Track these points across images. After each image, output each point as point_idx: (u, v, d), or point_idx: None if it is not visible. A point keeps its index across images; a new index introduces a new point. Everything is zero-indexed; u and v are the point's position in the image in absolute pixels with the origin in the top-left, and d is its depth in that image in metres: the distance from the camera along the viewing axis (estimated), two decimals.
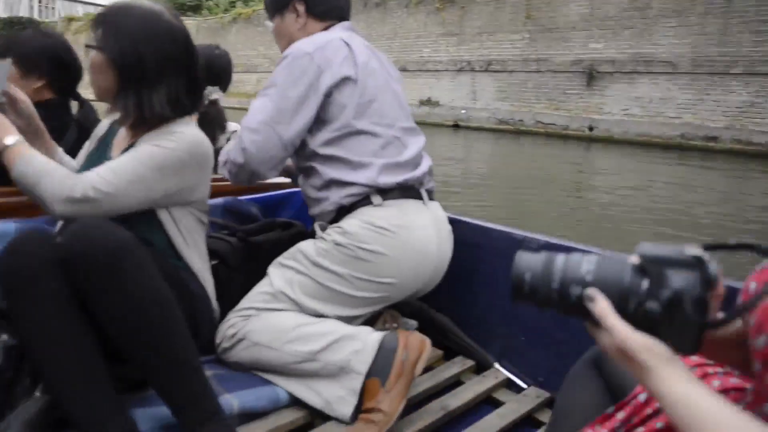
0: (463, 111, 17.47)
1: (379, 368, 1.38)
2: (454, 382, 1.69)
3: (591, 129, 14.39)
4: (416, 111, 18.65)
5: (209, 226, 1.55)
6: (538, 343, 1.68)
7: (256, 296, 1.53)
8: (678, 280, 0.62)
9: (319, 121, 1.56)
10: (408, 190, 1.58)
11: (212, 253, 1.60)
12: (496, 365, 1.75)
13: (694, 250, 0.64)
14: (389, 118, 1.60)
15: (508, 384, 1.72)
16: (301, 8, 1.70)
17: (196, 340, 1.25)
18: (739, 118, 12.11)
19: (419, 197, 1.60)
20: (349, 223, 1.50)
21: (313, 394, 1.42)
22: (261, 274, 1.59)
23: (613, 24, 14.15)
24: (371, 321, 1.64)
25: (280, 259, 1.57)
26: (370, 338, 1.41)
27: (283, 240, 1.78)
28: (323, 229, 1.57)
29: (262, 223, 1.88)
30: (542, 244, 1.67)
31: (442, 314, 1.84)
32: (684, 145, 12.64)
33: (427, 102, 18.61)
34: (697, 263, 0.63)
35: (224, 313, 1.54)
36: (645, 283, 0.64)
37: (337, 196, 1.54)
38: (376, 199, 1.53)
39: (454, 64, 17.95)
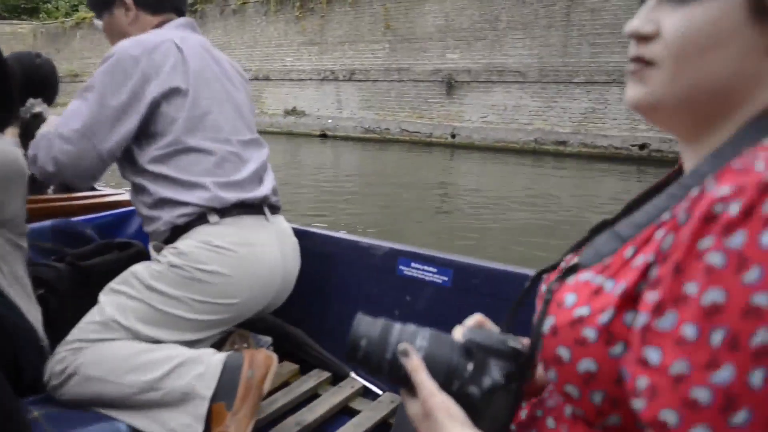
0: (329, 120, 17.40)
1: (225, 390, 1.33)
2: (311, 396, 1.66)
3: (453, 136, 14.98)
4: (282, 121, 18.28)
5: (32, 251, 1.41)
6: None
7: (85, 326, 1.40)
8: (498, 371, 0.66)
9: (146, 134, 1.45)
10: (248, 207, 1.50)
11: (38, 281, 1.50)
12: (352, 374, 1.73)
13: (515, 342, 0.68)
14: (226, 132, 1.50)
15: (365, 392, 1.71)
16: (129, 0, 1.58)
17: (21, 378, 1.16)
18: (584, 124, 13.24)
19: (261, 213, 1.53)
20: (185, 243, 1.41)
21: (157, 425, 1.33)
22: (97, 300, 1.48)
23: (467, 35, 14.86)
24: (219, 343, 1.56)
25: (112, 284, 1.46)
26: (213, 360, 1.35)
27: (121, 262, 1.66)
28: (158, 250, 1.48)
29: (97, 245, 1.78)
30: (387, 251, 1.71)
31: (297, 327, 1.79)
32: (538, 150, 13.58)
33: (293, 112, 18.32)
34: (516, 356, 0.67)
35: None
36: (470, 367, 0.67)
37: (169, 216, 1.43)
38: (213, 217, 1.44)
39: (317, 73, 17.84)
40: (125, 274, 1.45)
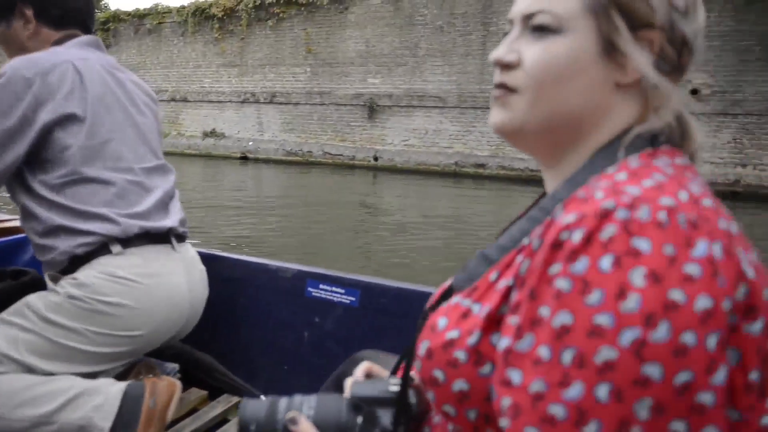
0: (250, 143, 17.13)
1: (125, 421, 1.29)
2: (221, 421, 1.62)
3: (376, 159, 15.14)
4: (200, 143, 17.81)
5: None
6: (299, 370, 1.71)
7: None
8: (387, 418, 0.70)
9: (38, 161, 1.37)
10: (153, 237, 1.43)
11: None
12: (262, 398, 1.70)
13: (395, 386, 0.72)
14: (128, 161, 1.44)
15: None
16: (29, 12, 1.47)
17: None
18: (501, 147, 13.76)
19: (166, 242, 1.47)
20: (86, 273, 1.34)
21: None
22: None
23: (388, 61, 15.16)
24: (124, 373, 1.50)
25: (4, 314, 1.37)
26: (113, 390, 1.31)
27: (14, 291, 1.56)
28: (54, 280, 1.39)
29: None
30: (295, 273, 1.71)
31: (207, 352, 1.76)
32: (458, 172, 13.96)
33: (212, 134, 17.90)
34: (399, 399, 0.71)
35: None
36: (359, 420, 0.70)
37: (67, 245, 1.35)
38: (116, 247, 1.37)
39: (237, 95, 17.57)
40: (18, 305, 1.37)
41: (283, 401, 0.74)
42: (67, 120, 1.35)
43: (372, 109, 15.30)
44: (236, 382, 1.72)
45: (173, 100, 18.75)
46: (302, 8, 16.27)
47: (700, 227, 0.51)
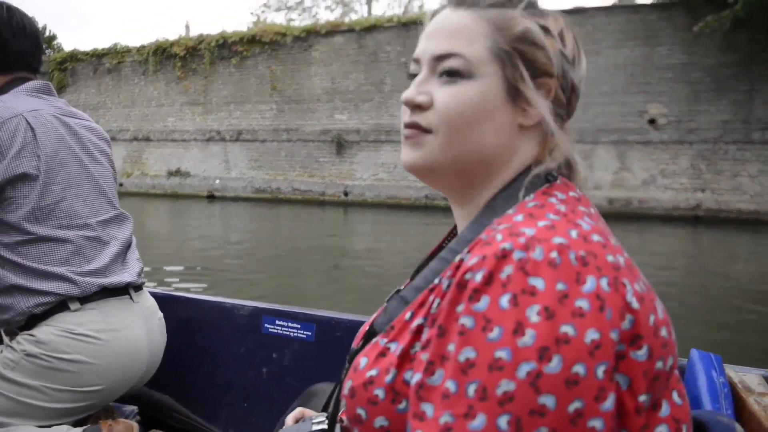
0: (217, 181, 16.96)
1: None
2: None
3: (346, 194, 15.19)
4: (165, 182, 17.53)
5: None
6: (259, 406, 1.72)
7: None
8: None
9: None
10: (111, 291, 1.41)
11: None
12: None
13: (320, 425, 0.76)
14: (83, 217, 1.41)
15: None
16: None
17: None
18: None
19: (125, 293, 1.45)
20: (44, 331, 1.31)
21: None
22: None
23: (354, 97, 15.34)
24: (83, 418, 1.47)
25: None
26: None
27: None
28: (10, 335, 1.38)
29: None
30: (251, 310, 1.73)
31: (166, 393, 1.73)
32: (429, 205, 14.09)
33: (176, 173, 17.66)
34: None
35: None
36: None
37: (24, 305, 1.32)
38: (74, 304, 1.34)
39: (202, 133, 17.43)
40: None
41: None
42: (18, 180, 1.31)
43: (340, 144, 15.40)
44: (196, 422, 1.70)
45: (135, 139, 18.45)
46: (266, 46, 16.36)
47: (589, 263, 0.56)
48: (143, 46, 18.28)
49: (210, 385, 1.81)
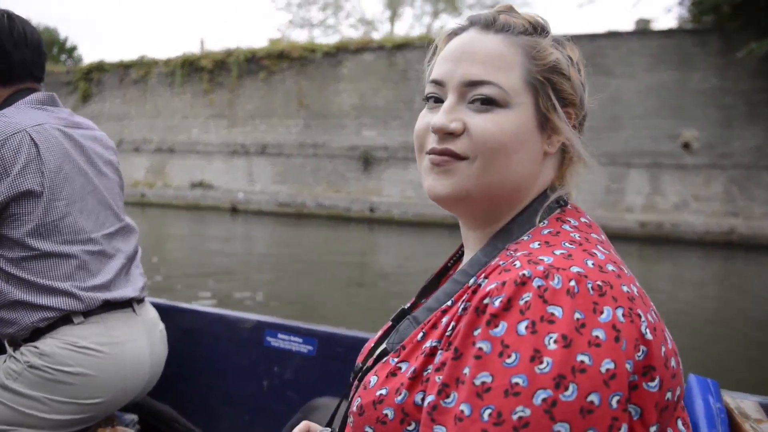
0: (240, 194, 16.95)
1: None
2: None
3: (372, 210, 15.14)
4: (188, 194, 17.54)
5: None
6: (259, 419, 1.73)
7: None
8: None
9: None
10: (114, 305, 1.42)
11: None
12: None
13: None
14: (87, 231, 1.40)
15: None
16: None
17: None
18: None
19: (128, 306, 1.46)
20: (47, 343, 1.32)
21: None
22: None
23: (383, 114, 15.38)
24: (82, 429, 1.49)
25: None
26: None
27: None
28: (14, 345, 1.38)
29: None
30: (254, 323, 1.75)
31: (166, 403, 1.74)
32: (456, 224, 13.97)
33: (199, 185, 17.66)
34: None
35: None
36: None
37: (28, 320, 1.32)
38: (78, 318, 1.35)
39: (227, 146, 17.47)
40: None
41: None
42: (23, 196, 1.29)
43: (367, 160, 15.40)
44: None
45: (159, 150, 18.50)
46: (294, 62, 16.46)
47: (606, 293, 0.57)
48: (170, 59, 18.42)
49: (211, 396, 1.82)
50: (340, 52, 15.99)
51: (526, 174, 0.69)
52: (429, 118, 0.71)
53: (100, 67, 19.71)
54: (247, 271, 8.36)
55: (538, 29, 0.71)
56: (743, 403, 1.00)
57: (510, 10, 0.73)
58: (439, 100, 0.71)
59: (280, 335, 1.72)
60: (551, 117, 0.68)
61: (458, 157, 0.68)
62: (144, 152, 18.57)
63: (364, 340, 1.56)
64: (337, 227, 13.95)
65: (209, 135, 17.82)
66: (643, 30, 13.50)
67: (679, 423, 0.62)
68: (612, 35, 13.03)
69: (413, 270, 8.93)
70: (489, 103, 0.67)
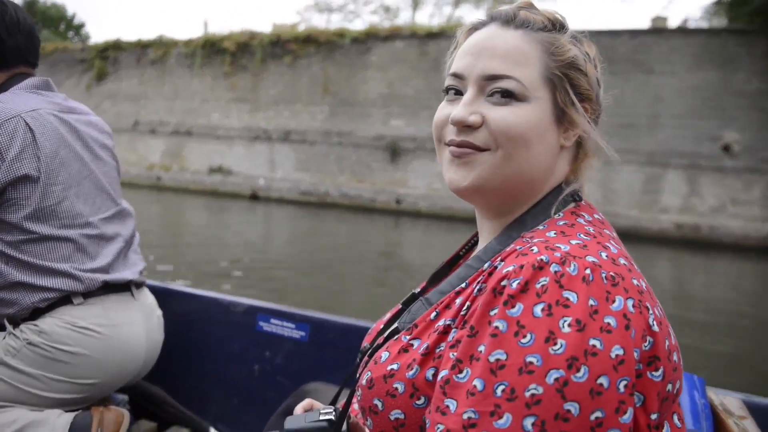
0: (261, 181, 16.62)
1: None
2: None
3: (398, 202, 14.86)
4: (206, 179, 17.21)
5: None
6: (249, 403, 1.76)
7: None
8: None
9: None
10: (113, 287, 1.46)
11: None
12: (212, 429, 1.76)
13: (328, 414, 0.77)
14: (85, 216, 1.43)
15: None
16: None
17: None
18: None
19: (126, 289, 1.50)
20: (47, 322, 1.37)
21: None
22: None
23: (412, 103, 15.05)
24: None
25: None
26: (59, 421, 1.33)
27: None
28: (14, 323, 1.41)
29: None
30: (246, 307, 1.76)
31: (158, 385, 1.78)
32: None
33: (218, 170, 17.32)
34: (332, 425, 0.76)
35: None
36: None
37: (28, 301, 1.36)
38: (77, 298, 1.39)
39: (248, 131, 17.12)
40: None
41: None
42: (19, 181, 1.32)
43: (394, 151, 15.10)
44: (186, 415, 1.73)
45: (176, 132, 18.13)
46: (321, 47, 16.10)
47: (618, 284, 0.60)
48: (191, 39, 18.01)
49: (201, 380, 1.85)
50: (370, 38, 15.63)
51: (543, 166, 0.72)
52: (448, 110, 0.74)
53: (116, 46, 19.29)
54: (268, 261, 8.15)
55: (557, 26, 0.73)
56: (726, 399, 1.04)
57: (530, 6, 0.75)
58: (458, 93, 0.74)
59: (272, 320, 1.73)
60: (568, 111, 0.71)
61: (479, 148, 0.70)
62: (160, 134, 18.19)
63: (357, 327, 1.60)
64: (361, 218, 13.67)
65: (230, 119, 17.45)
66: (687, 28, 13.22)
67: (675, 418, 0.66)
68: (654, 32, 12.74)
69: (439, 263, 8.75)
70: (508, 96, 0.69)
